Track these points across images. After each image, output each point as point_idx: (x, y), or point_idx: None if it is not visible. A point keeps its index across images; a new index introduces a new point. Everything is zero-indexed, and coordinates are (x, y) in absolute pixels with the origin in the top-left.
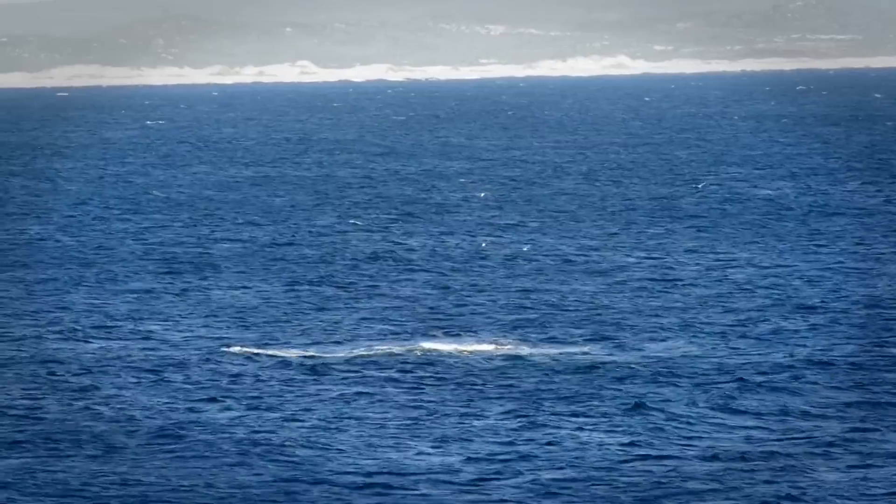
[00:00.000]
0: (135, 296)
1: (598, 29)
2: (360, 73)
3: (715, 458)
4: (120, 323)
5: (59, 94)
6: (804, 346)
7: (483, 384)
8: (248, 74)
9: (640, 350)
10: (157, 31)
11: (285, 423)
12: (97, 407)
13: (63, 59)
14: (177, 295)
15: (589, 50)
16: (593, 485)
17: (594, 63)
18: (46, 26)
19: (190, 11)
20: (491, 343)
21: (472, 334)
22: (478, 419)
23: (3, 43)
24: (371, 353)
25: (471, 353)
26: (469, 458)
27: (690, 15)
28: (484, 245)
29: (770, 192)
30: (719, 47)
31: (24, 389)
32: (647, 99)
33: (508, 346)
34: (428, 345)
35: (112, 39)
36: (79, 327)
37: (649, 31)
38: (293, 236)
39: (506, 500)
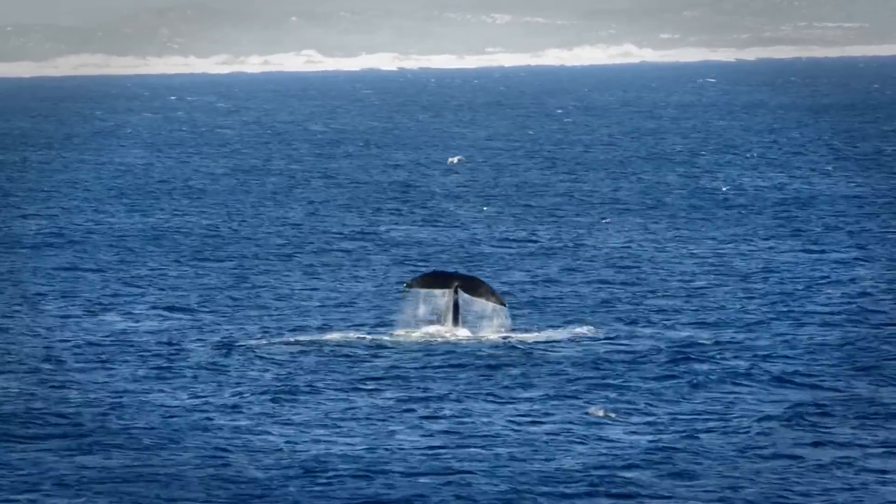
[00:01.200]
0: (109, 285)
1: (604, 17)
2: (365, 62)
3: (707, 452)
4: (103, 312)
5: (54, 84)
6: (793, 335)
7: (473, 371)
8: (253, 64)
9: (630, 340)
10: (162, 21)
11: (275, 414)
12: (78, 397)
13: (68, 48)
14: (167, 284)
15: (595, 39)
16: (587, 479)
17: (601, 52)
18: (52, 15)
19: (195, 1)
20: (482, 330)
21: (465, 322)
22: (468, 406)
23: (9, 32)
24: (363, 340)
25: (464, 340)
26: (462, 447)
27: (697, 3)
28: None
29: (745, 181)
30: (726, 36)
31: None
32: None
33: (498, 334)
34: (419, 333)
35: (117, 29)
36: (49, 317)
37: (656, 19)
38: (283, 225)
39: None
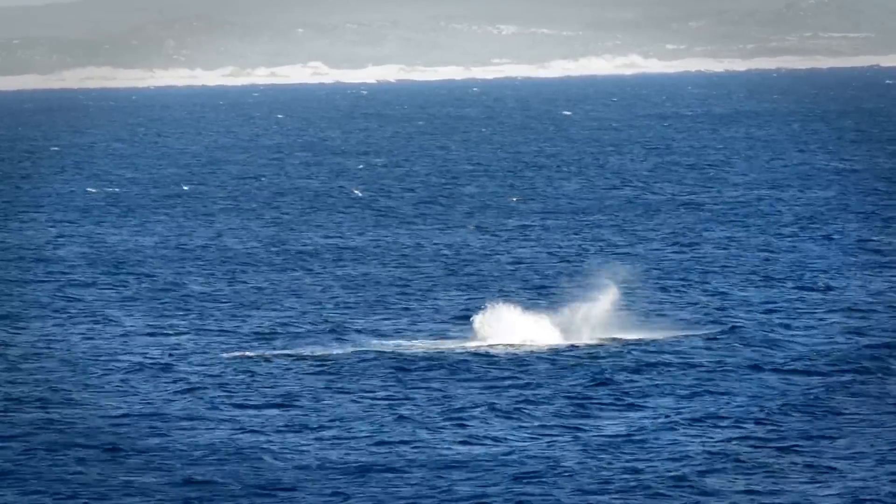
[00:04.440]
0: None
1: (610, 28)
2: (372, 74)
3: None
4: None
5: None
6: (777, 343)
7: (469, 379)
8: (259, 76)
9: (622, 347)
10: (168, 33)
11: (288, 422)
12: (71, 408)
13: (75, 60)
14: (174, 297)
15: (601, 49)
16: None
17: (606, 62)
18: (58, 28)
19: (201, 12)
20: (470, 339)
21: (459, 331)
22: (472, 415)
23: (15, 45)
24: (357, 351)
25: (459, 349)
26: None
27: (703, 14)
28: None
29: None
30: (732, 46)
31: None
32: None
33: (488, 342)
34: (416, 342)
35: (124, 41)
36: (42, 333)
37: (662, 30)
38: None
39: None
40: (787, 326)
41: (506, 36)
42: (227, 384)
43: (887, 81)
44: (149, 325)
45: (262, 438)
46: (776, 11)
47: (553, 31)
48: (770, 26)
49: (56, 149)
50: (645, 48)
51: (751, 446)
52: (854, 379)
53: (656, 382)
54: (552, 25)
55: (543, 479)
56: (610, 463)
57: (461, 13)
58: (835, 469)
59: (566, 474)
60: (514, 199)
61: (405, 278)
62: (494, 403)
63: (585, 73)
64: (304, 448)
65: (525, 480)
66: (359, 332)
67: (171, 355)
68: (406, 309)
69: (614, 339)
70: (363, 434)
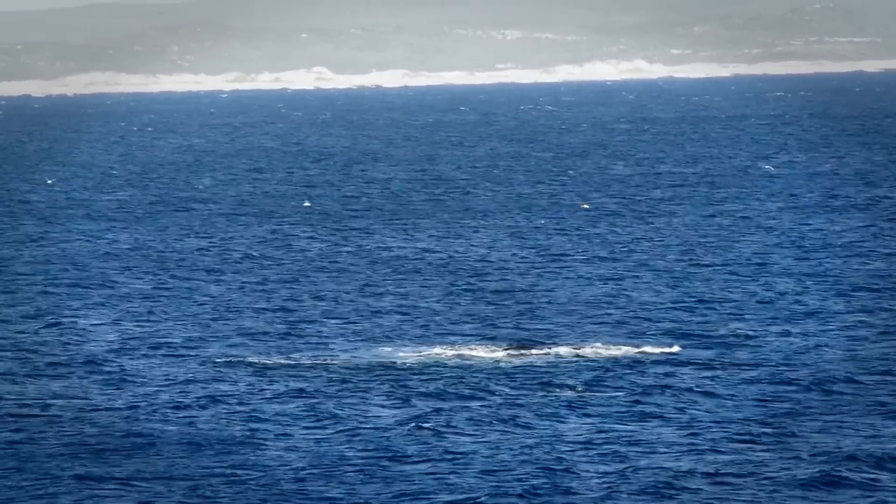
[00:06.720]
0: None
1: (615, 33)
2: (376, 79)
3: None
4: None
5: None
6: (765, 346)
7: (475, 386)
8: (263, 81)
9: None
10: (172, 38)
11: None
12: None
13: (78, 66)
14: (182, 300)
15: (606, 54)
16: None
17: (611, 67)
18: (62, 34)
19: (205, 18)
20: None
21: (475, 338)
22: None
23: (19, 50)
24: (356, 360)
25: (473, 356)
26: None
27: (708, 18)
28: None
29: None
30: (737, 51)
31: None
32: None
33: (484, 350)
34: (429, 350)
35: (127, 46)
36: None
37: (667, 34)
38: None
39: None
40: (761, 336)
41: (510, 41)
42: (219, 387)
43: (857, 89)
44: (140, 329)
45: (248, 440)
46: (781, 16)
47: (557, 36)
48: (775, 31)
49: (35, 151)
50: (649, 53)
51: (737, 453)
52: (842, 386)
53: (631, 395)
54: (556, 30)
55: (522, 483)
56: (596, 467)
57: (465, 18)
58: (826, 474)
59: (544, 480)
60: (585, 206)
61: (381, 286)
62: (480, 409)
63: (590, 79)
64: (292, 451)
65: (502, 484)
66: (352, 339)
67: (162, 359)
68: (385, 318)
69: (590, 351)
70: (343, 439)
